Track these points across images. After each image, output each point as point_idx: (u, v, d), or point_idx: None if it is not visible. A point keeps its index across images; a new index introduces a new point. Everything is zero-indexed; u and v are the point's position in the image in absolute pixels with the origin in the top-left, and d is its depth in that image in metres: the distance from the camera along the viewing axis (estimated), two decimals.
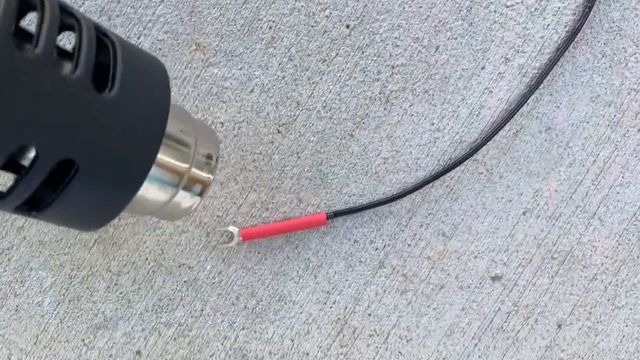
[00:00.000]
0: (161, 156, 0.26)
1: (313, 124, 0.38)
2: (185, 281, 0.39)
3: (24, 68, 0.18)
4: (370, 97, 0.38)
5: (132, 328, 0.38)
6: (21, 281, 0.39)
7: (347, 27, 0.38)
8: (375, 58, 0.38)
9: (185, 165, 0.29)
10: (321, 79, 0.38)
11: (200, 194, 0.30)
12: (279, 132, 0.38)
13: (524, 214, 0.38)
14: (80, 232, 0.39)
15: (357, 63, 0.38)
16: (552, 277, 0.38)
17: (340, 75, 0.38)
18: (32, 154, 0.21)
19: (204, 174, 0.30)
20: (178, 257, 0.39)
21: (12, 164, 0.22)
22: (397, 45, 0.38)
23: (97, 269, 0.39)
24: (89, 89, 0.21)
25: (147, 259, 0.39)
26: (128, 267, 0.39)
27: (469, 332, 0.39)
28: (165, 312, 0.39)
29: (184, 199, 0.30)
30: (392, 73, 0.38)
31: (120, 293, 0.39)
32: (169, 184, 0.28)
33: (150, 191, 0.27)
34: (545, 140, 0.38)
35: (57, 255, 0.39)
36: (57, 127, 0.20)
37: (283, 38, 0.38)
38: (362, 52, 0.38)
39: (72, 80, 0.20)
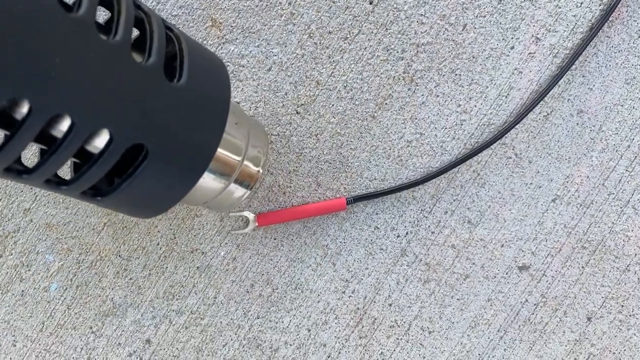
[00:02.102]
0: (217, 151, 0.28)
1: (333, 105, 0.37)
2: (198, 267, 0.38)
3: (105, 54, 0.20)
4: (394, 77, 0.37)
5: (142, 315, 0.38)
6: (27, 265, 0.38)
7: (370, 3, 0.37)
8: (399, 36, 0.37)
9: (239, 158, 0.31)
10: (342, 57, 0.37)
11: (250, 187, 0.33)
12: (297, 112, 0.37)
13: (553, 201, 0.37)
14: (88, 215, 0.38)
15: (380, 41, 0.37)
16: (582, 267, 0.37)
17: (362, 54, 0.37)
18: (100, 140, 0.22)
19: (254, 167, 0.33)
20: (191, 242, 0.38)
21: (80, 152, 0.23)
22: (422, 23, 0.37)
23: (106, 254, 0.38)
24: (161, 76, 0.23)
25: (158, 243, 0.38)
26: (138, 252, 0.38)
27: (495, 324, 0.37)
28: (177, 299, 0.38)
29: (235, 190, 0.32)
30: (417, 52, 0.37)
31: (130, 279, 0.38)
32: (223, 175, 0.31)
33: (206, 181, 0.29)
34: (577, 123, 0.37)
35: (64, 238, 0.38)
36: (131, 112, 0.22)
37: (303, 14, 0.37)
38: (386, 29, 0.37)
39: (147, 68, 0.22)
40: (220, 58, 0.30)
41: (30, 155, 0.38)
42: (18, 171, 0.21)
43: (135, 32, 0.24)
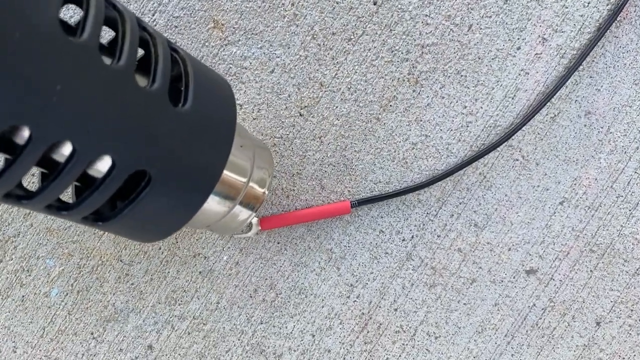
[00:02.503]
0: (224, 170, 0.28)
1: (337, 107, 0.37)
2: (200, 272, 0.37)
3: (108, 79, 0.20)
4: (399, 79, 0.37)
5: (143, 321, 0.37)
6: (28, 270, 0.37)
7: (375, 3, 0.37)
8: (404, 37, 0.37)
9: (244, 180, 0.31)
10: (346, 58, 0.37)
11: (255, 209, 0.32)
12: (300, 115, 0.37)
13: (561, 203, 0.37)
14: None
15: (384, 42, 0.37)
16: (590, 271, 0.37)
17: (366, 55, 0.37)
18: (103, 164, 0.22)
19: (259, 189, 0.32)
20: (193, 246, 0.37)
21: (82, 176, 0.23)
22: (427, 24, 0.36)
23: (107, 259, 0.37)
24: (165, 101, 0.23)
25: (160, 248, 0.37)
26: (140, 256, 0.37)
27: (502, 329, 0.37)
28: (179, 304, 0.37)
29: (240, 212, 0.32)
30: (422, 53, 0.37)
31: (132, 284, 0.37)
32: (227, 198, 0.30)
33: (210, 204, 0.29)
34: (585, 125, 0.36)
35: (65, 243, 0.37)
36: (134, 138, 0.22)
37: (306, 15, 0.37)
38: (390, 30, 0.37)
39: (151, 93, 0.22)
40: (225, 79, 0.29)
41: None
42: (18, 196, 0.21)
43: (140, 52, 0.24)
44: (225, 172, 0.29)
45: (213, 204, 0.29)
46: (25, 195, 0.21)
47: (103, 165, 0.22)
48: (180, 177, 0.24)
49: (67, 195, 0.29)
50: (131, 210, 0.23)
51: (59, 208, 0.23)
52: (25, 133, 0.19)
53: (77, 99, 0.19)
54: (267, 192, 0.33)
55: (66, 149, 0.21)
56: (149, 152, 0.22)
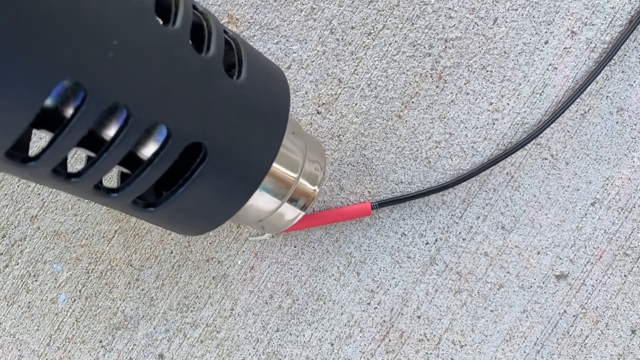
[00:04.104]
0: (273, 165, 0.27)
1: (356, 104, 0.36)
2: (213, 277, 0.36)
3: (163, 40, 0.20)
4: (421, 74, 0.35)
5: (154, 328, 0.36)
6: (34, 275, 0.36)
7: None
8: (426, 30, 0.35)
9: (295, 175, 0.29)
10: (366, 54, 0.36)
11: (304, 207, 0.31)
12: (318, 112, 0.36)
13: (592, 204, 0.35)
14: (98, 222, 0.36)
15: (406, 36, 0.36)
16: (624, 276, 0.35)
17: (387, 50, 0.36)
18: (152, 147, 0.22)
19: (310, 186, 0.31)
20: (206, 250, 0.36)
21: (129, 159, 0.22)
22: (450, 17, 0.35)
23: (116, 263, 0.36)
24: (220, 70, 0.22)
25: (172, 252, 0.36)
26: (151, 261, 0.36)
27: (531, 337, 0.35)
28: (192, 311, 0.36)
29: (288, 210, 0.31)
30: (446, 47, 0.35)
31: (142, 290, 0.36)
32: (277, 193, 0.29)
33: (258, 199, 0.28)
34: (617, 122, 0.35)
35: (73, 247, 0.36)
36: (190, 106, 0.21)
37: (324, 9, 0.36)
38: (412, 24, 0.35)
39: (206, 59, 0.21)
40: (277, 65, 0.29)
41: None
42: (67, 174, 0.20)
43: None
44: (276, 166, 0.28)
45: (261, 199, 0.28)
46: (74, 173, 0.20)
47: (152, 148, 0.21)
48: (236, 153, 0.23)
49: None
50: (187, 189, 0.22)
51: (109, 190, 0.22)
52: (71, 109, 0.18)
53: (133, 58, 0.18)
54: (317, 190, 0.31)
55: (115, 126, 0.20)
56: (205, 123, 0.22)
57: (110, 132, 0.20)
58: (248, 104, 0.23)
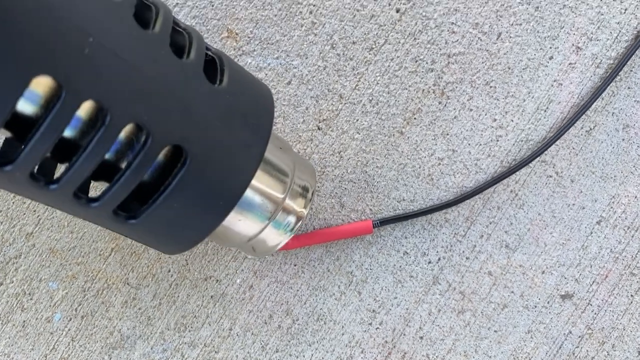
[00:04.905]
0: (255, 184, 0.27)
1: (358, 120, 0.35)
2: (212, 296, 0.36)
3: (143, 42, 0.20)
4: (423, 90, 0.35)
5: (151, 348, 0.35)
6: (29, 294, 0.36)
7: (397, 11, 0.35)
8: (429, 46, 0.35)
9: (281, 196, 0.29)
10: (367, 69, 0.35)
11: (291, 229, 0.30)
12: (319, 128, 0.35)
13: (598, 223, 0.35)
14: (95, 240, 0.36)
15: (408, 51, 0.35)
16: (631, 296, 0.35)
17: (389, 65, 0.35)
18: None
19: (297, 208, 0.30)
20: (204, 269, 0.36)
21: (106, 170, 0.22)
22: (453, 32, 0.35)
23: (113, 282, 0.36)
24: (201, 75, 0.22)
25: (169, 270, 0.36)
26: (148, 279, 0.36)
27: (536, 358, 0.35)
28: (189, 330, 0.35)
29: (274, 232, 0.30)
30: (448, 63, 0.35)
31: (139, 309, 0.36)
32: (261, 214, 0.28)
33: (241, 221, 0.28)
34: (623, 139, 0.35)
35: (69, 265, 0.36)
36: (169, 108, 0.21)
37: (325, 24, 0.35)
38: (414, 39, 0.35)
39: (186, 64, 0.22)
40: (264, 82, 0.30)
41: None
42: (46, 181, 0.20)
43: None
44: (260, 185, 0.27)
45: (244, 220, 0.28)
46: (52, 180, 0.20)
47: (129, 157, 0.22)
48: (218, 157, 0.23)
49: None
50: (168, 196, 0.22)
51: (89, 199, 0.21)
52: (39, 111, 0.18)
53: (110, 55, 0.18)
54: (306, 212, 0.30)
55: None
56: (185, 126, 0.22)
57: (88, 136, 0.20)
58: (229, 109, 0.23)
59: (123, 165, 0.22)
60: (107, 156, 0.21)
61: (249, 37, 0.37)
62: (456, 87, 0.36)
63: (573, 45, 0.36)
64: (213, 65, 0.25)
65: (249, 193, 0.27)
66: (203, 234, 0.25)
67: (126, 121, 0.20)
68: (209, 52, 0.25)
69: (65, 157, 0.21)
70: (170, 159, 0.23)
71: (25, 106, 0.18)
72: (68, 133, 0.20)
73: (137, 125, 0.21)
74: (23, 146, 0.18)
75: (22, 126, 0.19)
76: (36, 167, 0.19)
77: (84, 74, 0.18)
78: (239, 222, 0.27)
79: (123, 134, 0.21)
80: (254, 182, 0.27)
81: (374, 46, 0.37)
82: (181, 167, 0.22)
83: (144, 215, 0.22)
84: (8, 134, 0.20)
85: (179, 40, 0.23)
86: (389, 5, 0.36)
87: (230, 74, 0.24)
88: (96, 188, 0.33)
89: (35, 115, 0.19)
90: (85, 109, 0.20)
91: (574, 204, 0.37)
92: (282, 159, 0.29)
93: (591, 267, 0.37)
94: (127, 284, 0.37)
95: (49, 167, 0.23)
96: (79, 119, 0.20)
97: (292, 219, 0.30)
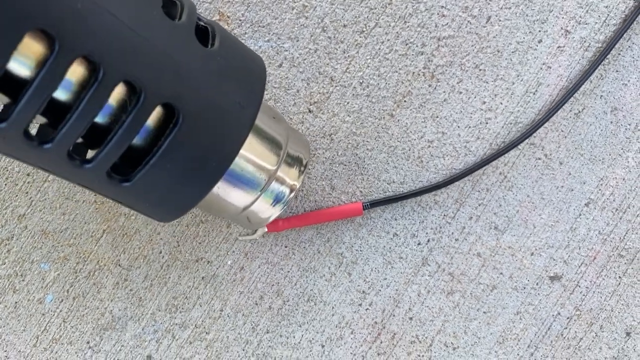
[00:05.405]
0: (247, 153, 0.27)
1: (348, 103, 0.36)
2: (203, 277, 0.36)
3: (136, 3, 0.20)
4: (413, 73, 0.35)
5: (142, 329, 0.36)
6: (21, 275, 0.36)
7: None
8: (419, 29, 0.35)
9: (273, 167, 0.29)
10: (358, 52, 0.36)
11: (284, 201, 0.30)
12: (309, 111, 0.36)
13: (587, 205, 0.35)
14: (87, 221, 0.36)
15: (398, 34, 0.35)
16: (619, 277, 0.35)
17: (379, 48, 0.36)
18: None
19: (290, 179, 0.30)
20: (195, 250, 0.36)
21: (100, 135, 0.22)
22: (443, 15, 0.35)
23: (105, 263, 0.36)
24: (192, 37, 0.23)
25: (160, 252, 0.36)
26: (139, 261, 0.36)
27: (524, 339, 0.35)
28: (180, 312, 0.36)
29: (267, 203, 0.30)
30: (438, 46, 0.35)
31: (131, 290, 0.36)
32: (252, 185, 0.28)
33: (234, 191, 0.28)
34: (611, 122, 0.35)
35: (61, 246, 0.36)
36: (162, 66, 0.21)
37: (316, 7, 0.36)
38: (405, 22, 0.35)
39: (178, 25, 0.22)
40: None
41: None
42: (40, 141, 0.20)
43: None
44: (251, 155, 0.27)
45: (235, 191, 0.28)
46: (46, 140, 0.20)
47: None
48: (210, 117, 0.24)
49: None
50: (161, 156, 0.22)
51: (83, 161, 0.22)
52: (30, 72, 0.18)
53: (102, 11, 0.19)
54: (298, 185, 0.30)
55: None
56: (178, 85, 0.22)
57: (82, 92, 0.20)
58: (221, 70, 0.24)
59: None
60: (100, 120, 0.22)
61: (240, 20, 0.37)
62: (446, 70, 0.37)
63: (562, 28, 0.37)
64: (205, 32, 0.25)
65: (241, 162, 0.27)
66: (196, 198, 0.26)
67: (119, 78, 0.20)
68: (201, 22, 0.25)
69: (60, 122, 0.21)
70: (163, 123, 0.23)
71: (18, 67, 0.19)
72: (62, 96, 0.20)
73: (129, 85, 0.21)
74: (16, 104, 0.18)
75: (15, 88, 0.19)
76: (30, 128, 0.20)
77: (77, 28, 0.18)
78: (231, 192, 0.28)
79: (116, 95, 0.21)
80: (246, 152, 0.27)
81: (364, 29, 0.37)
82: (173, 126, 0.22)
83: (138, 177, 0.23)
84: (6, 99, 0.20)
85: (171, 4, 0.24)
86: None
87: (221, 39, 0.25)
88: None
89: (28, 77, 0.19)
90: (77, 71, 0.20)
91: (562, 186, 0.37)
92: (275, 128, 0.29)
93: (579, 248, 0.37)
94: (119, 265, 0.38)
95: (44, 133, 0.24)
96: (70, 81, 0.20)
97: (285, 189, 0.30)
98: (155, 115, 0.23)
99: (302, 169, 0.31)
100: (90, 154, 0.23)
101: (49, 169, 0.22)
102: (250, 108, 0.25)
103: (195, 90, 0.23)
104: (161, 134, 0.23)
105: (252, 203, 0.29)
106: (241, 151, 0.26)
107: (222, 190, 0.27)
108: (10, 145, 0.20)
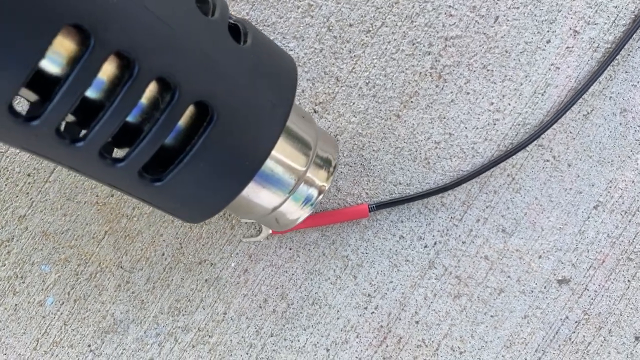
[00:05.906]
0: (277, 153, 0.27)
1: (354, 103, 0.35)
2: (206, 280, 0.35)
3: None
4: (420, 73, 0.35)
5: (145, 333, 0.35)
6: (21, 277, 0.36)
7: None
8: (426, 29, 0.35)
9: (303, 168, 0.28)
10: (364, 52, 0.35)
11: (313, 203, 0.30)
12: (315, 111, 0.35)
13: (595, 207, 0.35)
14: (88, 222, 0.35)
15: (405, 34, 0.35)
16: (628, 281, 0.35)
17: (386, 48, 0.35)
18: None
19: (319, 181, 0.30)
20: (199, 252, 0.35)
21: (131, 134, 0.22)
22: (451, 15, 0.35)
23: (106, 265, 0.35)
24: (225, 33, 0.23)
25: (163, 254, 0.36)
26: (142, 263, 0.36)
27: (532, 344, 0.35)
28: (183, 315, 0.35)
29: (295, 205, 0.30)
30: (446, 46, 0.35)
31: (133, 292, 0.35)
32: (282, 186, 0.28)
33: (263, 192, 0.27)
34: (620, 123, 0.35)
35: (62, 248, 0.36)
36: (196, 63, 0.21)
37: (322, 6, 0.35)
38: (412, 21, 0.35)
39: (212, 21, 0.22)
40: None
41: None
42: (72, 139, 0.20)
43: None
44: (281, 156, 0.27)
45: (264, 192, 0.27)
46: (78, 138, 0.20)
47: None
48: (244, 115, 0.23)
49: None
50: (194, 155, 0.22)
51: (114, 160, 0.21)
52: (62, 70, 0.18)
53: (137, 6, 0.18)
54: (327, 186, 0.30)
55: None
56: (212, 82, 0.22)
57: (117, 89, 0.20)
58: (254, 68, 0.24)
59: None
60: (132, 119, 0.21)
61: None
62: (453, 70, 0.36)
63: (570, 29, 0.36)
64: (236, 30, 0.25)
65: (271, 163, 0.27)
66: (227, 199, 0.25)
67: (154, 74, 0.20)
68: (232, 19, 0.25)
69: (91, 121, 0.21)
70: (195, 122, 0.23)
71: (49, 64, 0.18)
72: (92, 93, 0.20)
73: (162, 82, 0.21)
74: (50, 100, 0.18)
75: (47, 87, 0.19)
76: (62, 126, 0.19)
77: (113, 23, 0.18)
78: (260, 193, 0.27)
79: (148, 93, 0.21)
80: (276, 152, 0.27)
81: (371, 29, 0.36)
82: (207, 124, 0.22)
83: (170, 176, 0.22)
84: (35, 97, 0.20)
85: (203, 0, 0.23)
86: None
87: (253, 36, 0.25)
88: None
89: (59, 74, 0.19)
90: (109, 68, 0.20)
91: (571, 189, 0.37)
92: (305, 129, 0.29)
93: (588, 251, 0.37)
94: (121, 267, 0.37)
95: (74, 131, 0.23)
96: (102, 78, 0.20)
97: (314, 192, 0.30)
98: (187, 113, 0.22)
99: (332, 170, 0.30)
100: (117, 153, 0.23)
101: (79, 169, 0.22)
102: (283, 107, 0.25)
103: (230, 88, 0.22)
104: (192, 132, 0.23)
105: (281, 204, 0.29)
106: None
107: (252, 190, 0.27)
108: (42, 143, 0.19)
